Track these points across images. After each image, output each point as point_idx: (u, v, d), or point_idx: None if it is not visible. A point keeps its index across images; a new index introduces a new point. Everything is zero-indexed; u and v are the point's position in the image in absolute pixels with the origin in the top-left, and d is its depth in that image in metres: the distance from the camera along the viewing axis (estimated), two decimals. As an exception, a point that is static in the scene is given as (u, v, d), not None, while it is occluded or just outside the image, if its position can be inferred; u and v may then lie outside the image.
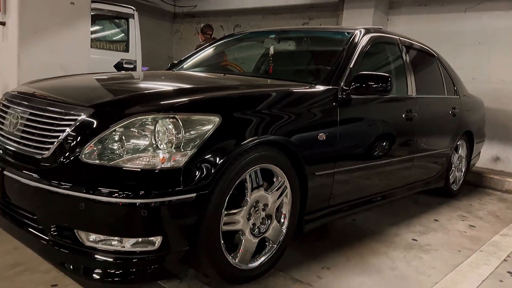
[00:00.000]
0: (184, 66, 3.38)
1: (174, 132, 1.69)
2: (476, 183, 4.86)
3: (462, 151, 4.20)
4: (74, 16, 3.26)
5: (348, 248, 2.58)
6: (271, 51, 3.28)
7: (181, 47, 10.41)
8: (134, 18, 5.29)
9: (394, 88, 3.11)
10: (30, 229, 1.79)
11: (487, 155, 5.84)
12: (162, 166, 1.64)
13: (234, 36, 3.69)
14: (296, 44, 3.28)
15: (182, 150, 1.68)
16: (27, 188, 1.73)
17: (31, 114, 1.93)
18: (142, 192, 1.58)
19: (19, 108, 2.02)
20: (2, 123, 2.08)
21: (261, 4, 8.64)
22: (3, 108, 2.15)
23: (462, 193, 4.28)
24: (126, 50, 5.26)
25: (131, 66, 5.24)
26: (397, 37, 3.30)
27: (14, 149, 1.91)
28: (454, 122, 3.83)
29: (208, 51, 3.59)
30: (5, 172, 1.83)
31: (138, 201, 1.57)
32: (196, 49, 5.90)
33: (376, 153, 2.75)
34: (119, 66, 5.13)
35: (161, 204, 1.60)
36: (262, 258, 2.06)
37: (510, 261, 2.62)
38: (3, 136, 2.03)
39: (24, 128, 1.91)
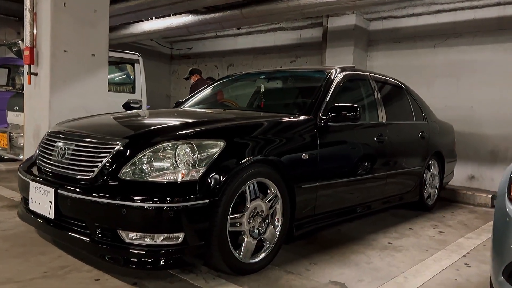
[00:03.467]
0: (188, 104, 3.96)
1: (190, 154, 2.25)
2: (451, 199, 5.40)
3: (434, 170, 4.76)
4: (95, 65, 3.87)
5: (333, 249, 3.09)
6: (262, 89, 3.90)
7: (178, 86, 11.13)
8: (139, 63, 5.97)
9: (367, 116, 3.72)
10: (78, 235, 2.31)
11: (463, 174, 6.42)
12: (182, 179, 2.19)
13: (230, 77, 4.31)
14: (282, 82, 3.91)
15: (197, 167, 2.23)
16: (78, 202, 2.27)
17: (76, 145, 2.48)
18: (168, 199, 2.12)
19: (65, 141, 2.57)
20: (51, 154, 2.63)
21: (251, 45, 9.42)
22: (50, 142, 2.71)
23: (437, 207, 4.82)
24: (133, 91, 5.90)
25: (138, 105, 5.85)
26: (367, 73, 3.94)
27: (63, 173, 2.45)
28: (423, 144, 4.42)
29: (207, 90, 4.19)
30: (58, 191, 2.36)
31: (165, 205, 2.10)
32: (191, 88, 6.55)
33: (352, 170, 3.31)
34: (127, 106, 5.73)
35: (183, 208, 2.13)
36: (262, 255, 2.56)
37: (469, 256, 3.13)
38: (52, 164, 2.58)
39: (71, 157, 2.47)
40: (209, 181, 2.24)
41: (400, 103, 4.40)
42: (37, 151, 2.93)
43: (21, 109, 5.25)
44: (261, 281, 2.44)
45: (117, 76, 6.09)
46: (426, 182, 4.58)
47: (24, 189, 2.70)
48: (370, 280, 2.55)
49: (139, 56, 6.02)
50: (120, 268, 2.50)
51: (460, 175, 6.13)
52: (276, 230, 2.66)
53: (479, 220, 4.37)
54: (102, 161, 2.31)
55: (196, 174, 2.22)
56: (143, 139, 2.37)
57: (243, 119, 2.94)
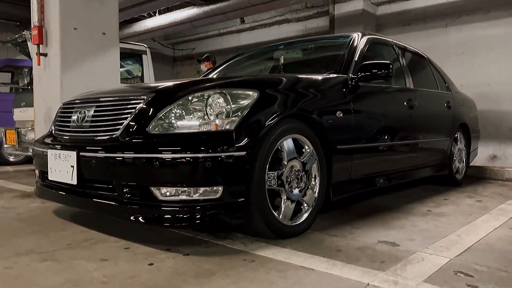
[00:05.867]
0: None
1: (224, 104, 2.06)
2: (477, 176, 5.18)
3: (461, 144, 4.56)
4: (106, 44, 3.71)
5: (371, 216, 2.88)
6: (281, 60, 3.72)
7: (183, 88, 10.97)
8: (147, 54, 5.81)
9: (393, 82, 3.53)
10: (104, 199, 2.12)
11: (485, 154, 6.22)
12: (217, 130, 2.00)
13: (245, 54, 4.12)
14: (303, 52, 3.73)
15: (231, 117, 2.04)
16: (104, 162, 2.08)
17: (97, 107, 2.30)
18: (204, 149, 1.92)
19: (83, 106, 2.39)
20: (69, 122, 2.45)
21: (255, 40, 9.29)
22: (67, 111, 2.53)
23: (466, 183, 4.60)
24: (141, 83, 5.73)
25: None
26: (390, 39, 3.76)
27: (84, 137, 2.27)
28: (450, 114, 4.23)
29: (221, 69, 4.00)
30: (81, 153, 2.17)
31: (202, 155, 1.91)
32: (204, 74, 6.31)
33: (385, 134, 3.11)
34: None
35: (221, 159, 1.94)
36: (305, 215, 2.36)
37: (517, 218, 2.92)
38: (71, 131, 2.40)
39: (92, 119, 2.28)
40: (245, 132, 2.04)
41: (424, 71, 4.22)
42: (53, 125, 2.75)
43: (28, 104, 5.08)
44: (304, 243, 2.23)
45: (124, 69, 5.92)
46: (454, 156, 4.38)
47: (41, 162, 2.52)
48: (422, 239, 2.34)
49: (146, 47, 5.87)
50: (150, 237, 2.32)
51: (481, 155, 5.92)
52: (314, 193, 2.46)
53: (513, 191, 4.16)
54: (127, 117, 2.12)
55: (231, 124, 2.03)
56: (171, 92, 2.19)
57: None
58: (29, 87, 5.67)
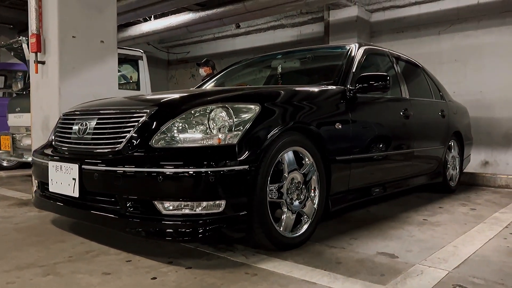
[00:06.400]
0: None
1: (226, 118, 2.09)
2: (470, 182, 5.26)
3: (454, 151, 4.62)
4: (105, 52, 3.71)
5: (369, 226, 2.92)
6: (279, 69, 3.75)
7: (177, 92, 10.95)
8: (143, 60, 5.80)
9: (390, 91, 3.57)
10: (106, 212, 2.12)
11: (477, 160, 6.30)
12: (220, 144, 2.02)
13: (242, 62, 4.15)
14: (300, 61, 3.76)
15: (234, 131, 2.06)
16: (107, 175, 2.08)
17: (99, 119, 2.31)
18: (207, 163, 1.94)
19: (84, 118, 2.40)
20: (70, 133, 2.45)
21: (251, 45, 9.32)
22: (67, 122, 2.53)
23: (459, 190, 4.67)
24: (137, 88, 5.72)
25: (143, 103, 5.67)
26: (386, 49, 3.81)
27: (86, 149, 2.27)
28: (444, 123, 4.29)
29: (218, 77, 4.02)
30: (83, 166, 2.17)
31: (205, 170, 1.92)
32: (203, 80, 6.32)
33: (382, 145, 3.16)
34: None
35: (224, 173, 1.96)
36: (304, 227, 2.39)
37: (511, 227, 2.98)
38: (72, 142, 2.40)
39: (94, 131, 2.29)
40: (248, 146, 2.07)
41: (418, 80, 4.27)
42: (52, 135, 2.75)
43: (23, 110, 5.06)
44: (304, 255, 2.26)
45: (120, 74, 5.91)
46: (448, 163, 4.44)
47: (41, 173, 2.51)
48: (419, 250, 2.38)
49: (142, 52, 5.86)
50: (150, 249, 2.33)
51: (473, 161, 6.00)
52: (314, 204, 2.49)
53: (506, 199, 4.22)
54: (130, 131, 2.13)
55: (233, 138, 2.05)
56: (173, 105, 2.20)
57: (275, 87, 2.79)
58: (24, 92, 5.64)
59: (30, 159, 4.74)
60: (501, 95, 6.15)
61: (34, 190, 2.80)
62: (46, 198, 2.52)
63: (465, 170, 5.14)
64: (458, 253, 2.33)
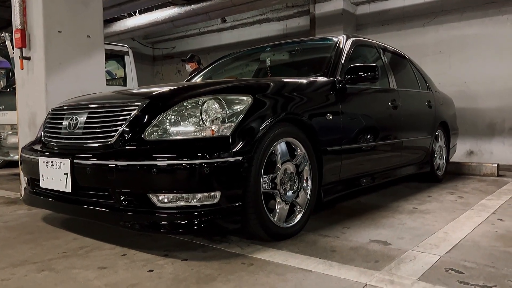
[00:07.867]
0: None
1: (219, 109, 2.09)
2: (456, 172, 5.35)
3: (441, 141, 4.70)
4: (91, 47, 3.66)
5: (360, 215, 2.96)
6: (268, 62, 3.76)
7: (163, 88, 10.86)
8: (129, 55, 5.74)
9: (378, 82, 3.61)
10: (99, 206, 2.11)
11: (462, 150, 6.42)
12: (214, 136, 2.02)
13: (231, 55, 4.14)
14: (289, 54, 3.77)
15: (227, 123, 2.07)
16: (100, 169, 2.06)
17: (89, 113, 2.29)
18: (201, 155, 1.94)
19: (75, 112, 2.37)
20: (60, 128, 2.42)
21: (237, 39, 9.30)
22: (57, 117, 2.50)
23: (446, 179, 4.76)
24: (124, 84, 5.67)
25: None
26: (374, 41, 3.85)
27: (77, 144, 2.25)
28: (431, 113, 4.36)
29: (205, 71, 4.00)
30: (75, 161, 2.15)
31: (199, 161, 1.92)
32: (190, 75, 6.28)
33: (372, 135, 3.19)
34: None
35: (218, 164, 1.96)
36: (298, 216, 2.41)
37: (498, 213, 3.04)
38: (62, 138, 2.37)
39: (85, 126, 2.27)
40: (241, 137, 2.07)
41: (405, 71, 4.33)
42: (41, 131, 2.71)
43: (8, 107, 4.97)
44: (299, 245, 2.28)
45: (107, 68, 5.84)
46: (435, 153, 4.51)
47: (31, 169, 2.48)
48: (411, 237, 2.42)
49: (128, 48, 5.80)
50: (145, 242, 2.32)
51: (459, 151, 6.12)
52: (307, 194, 2.51)
53: (491, 187, 4.31)
54: (122, 124, 2.12)
55: (227, 130, 2.05)
56: (165, 98, 2.19)
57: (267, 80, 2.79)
58: (8, 90, 5.53)
59: (16, 157, 4.69)
60: (485, 86, 6.26)
61: (23, 188, 2.76)
62: (37, 195, 2.49)
63: (451, 160, 5.23)
64: (448, 239, 2.38)
